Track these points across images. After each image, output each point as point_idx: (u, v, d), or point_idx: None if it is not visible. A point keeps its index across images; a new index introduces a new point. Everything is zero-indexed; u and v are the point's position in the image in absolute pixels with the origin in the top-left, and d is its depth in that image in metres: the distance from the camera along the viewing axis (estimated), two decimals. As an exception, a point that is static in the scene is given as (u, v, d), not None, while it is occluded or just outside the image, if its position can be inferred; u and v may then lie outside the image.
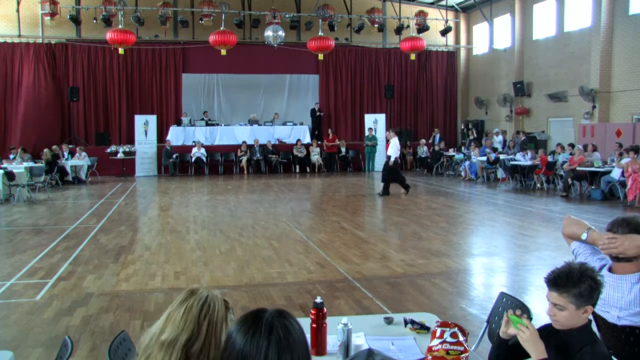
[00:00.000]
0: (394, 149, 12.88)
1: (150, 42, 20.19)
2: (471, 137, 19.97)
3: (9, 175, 12.20)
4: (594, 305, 2.07)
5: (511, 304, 3.00)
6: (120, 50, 17.20)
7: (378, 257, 7.07)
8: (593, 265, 2.43)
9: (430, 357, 2.28)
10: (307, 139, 19.99)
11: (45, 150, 15.88)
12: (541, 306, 2.13)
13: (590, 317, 2.12)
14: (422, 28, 20.44)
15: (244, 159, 18.83)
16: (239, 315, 1.55)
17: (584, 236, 2.38)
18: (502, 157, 15.99)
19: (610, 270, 2.37)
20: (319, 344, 2.42)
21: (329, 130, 20.47)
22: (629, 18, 15.01)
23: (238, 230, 8.90)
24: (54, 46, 19.71)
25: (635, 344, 2.27)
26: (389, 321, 2.80)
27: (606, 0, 15.40)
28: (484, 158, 16.52)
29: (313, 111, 21.32)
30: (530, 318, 2.72)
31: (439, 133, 21.30)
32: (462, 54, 23.56)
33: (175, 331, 1.61)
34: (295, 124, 20.60)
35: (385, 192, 12.98)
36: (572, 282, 2.02)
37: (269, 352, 1.36)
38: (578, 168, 12.66)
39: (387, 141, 13.64)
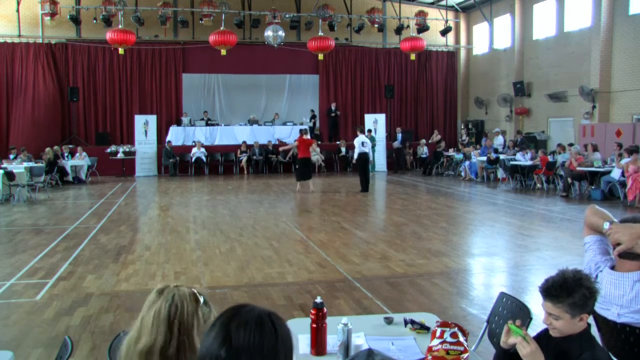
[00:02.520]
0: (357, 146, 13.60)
1: (150, 42, 20.19)
2: (463, 140, 19.94)
3: (9, 175, 12.19)
4: (589, 313, 2.06)
5: (511, 304, 2.99)
6: (120, 50, 17.21)
7: (378, 257, 7.06)
8: (598, 265, 2.43)
9: (430, 357, 2.28)
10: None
11: (47, 149, 15.87)
12: (541, 307, 2.13)
13: (590, 320, 2.12)
14: (422, 28, 20.44)
15: (244, 159, 18.83)
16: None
17: (605, 225, 2.36)
18: (502, 157, 15.99)
19: (612, 268, 2.36)
20: (319, 344, 2.42)
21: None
22: (629, 18, 15.01)
23: (238, 230, 8.90)
24: (54, 46, 19.71)
25: (636, 344, 2.27)
26: (389, 321, 2.80)
27: (606, 0, 15.40)
28: (484, 158, 16.52)
29: (329, 111, 21.18)
30: (530, 319, 2.72)
31: (401, 132, 20.64)
32: (462, 54, 23.56)
33: (149, 338, 1.60)
34: (295, 124, 20.57)
35: (302, 178, 13.81)
36: (566, 292, 2.00)
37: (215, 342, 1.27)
38: (578, 168, 12.66)
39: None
